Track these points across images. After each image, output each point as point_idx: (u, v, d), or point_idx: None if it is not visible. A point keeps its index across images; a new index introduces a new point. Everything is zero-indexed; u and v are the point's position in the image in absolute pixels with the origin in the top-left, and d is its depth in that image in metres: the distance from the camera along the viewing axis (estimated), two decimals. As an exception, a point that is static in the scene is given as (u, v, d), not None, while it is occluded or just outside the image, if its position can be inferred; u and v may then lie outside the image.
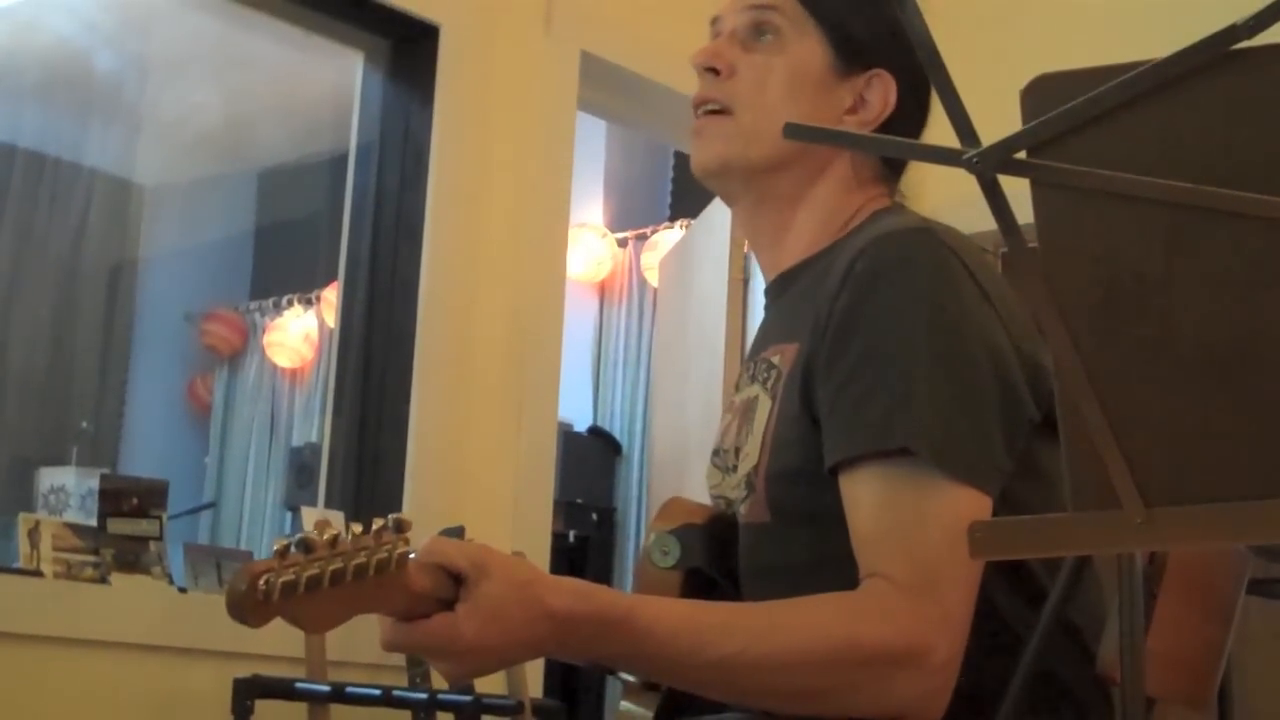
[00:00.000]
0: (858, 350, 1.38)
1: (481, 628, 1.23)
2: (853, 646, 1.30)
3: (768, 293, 1.61)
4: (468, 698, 2.72)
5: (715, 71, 1.55)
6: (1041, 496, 1.37)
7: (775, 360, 1.49)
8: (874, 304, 1.39)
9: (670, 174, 6.05)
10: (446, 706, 2.73)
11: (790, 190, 1.55)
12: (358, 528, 1.14)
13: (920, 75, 1.50)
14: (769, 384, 1.49)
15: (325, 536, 1.11)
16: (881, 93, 1.54)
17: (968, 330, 1.38)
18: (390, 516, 1.17)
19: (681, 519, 1.55)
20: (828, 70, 1.54)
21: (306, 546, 1.10)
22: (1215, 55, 0.85)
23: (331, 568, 1.11)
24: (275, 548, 1.09)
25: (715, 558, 1.53)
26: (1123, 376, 0.90)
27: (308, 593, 1.10)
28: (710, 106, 1.56)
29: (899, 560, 1.31)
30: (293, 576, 1.09)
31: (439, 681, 2.77)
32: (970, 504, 1.32)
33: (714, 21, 1.61)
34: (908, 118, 1.55)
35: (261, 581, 1.08)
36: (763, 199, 1.56)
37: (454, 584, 1.25)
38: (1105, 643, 1.37)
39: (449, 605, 1.24)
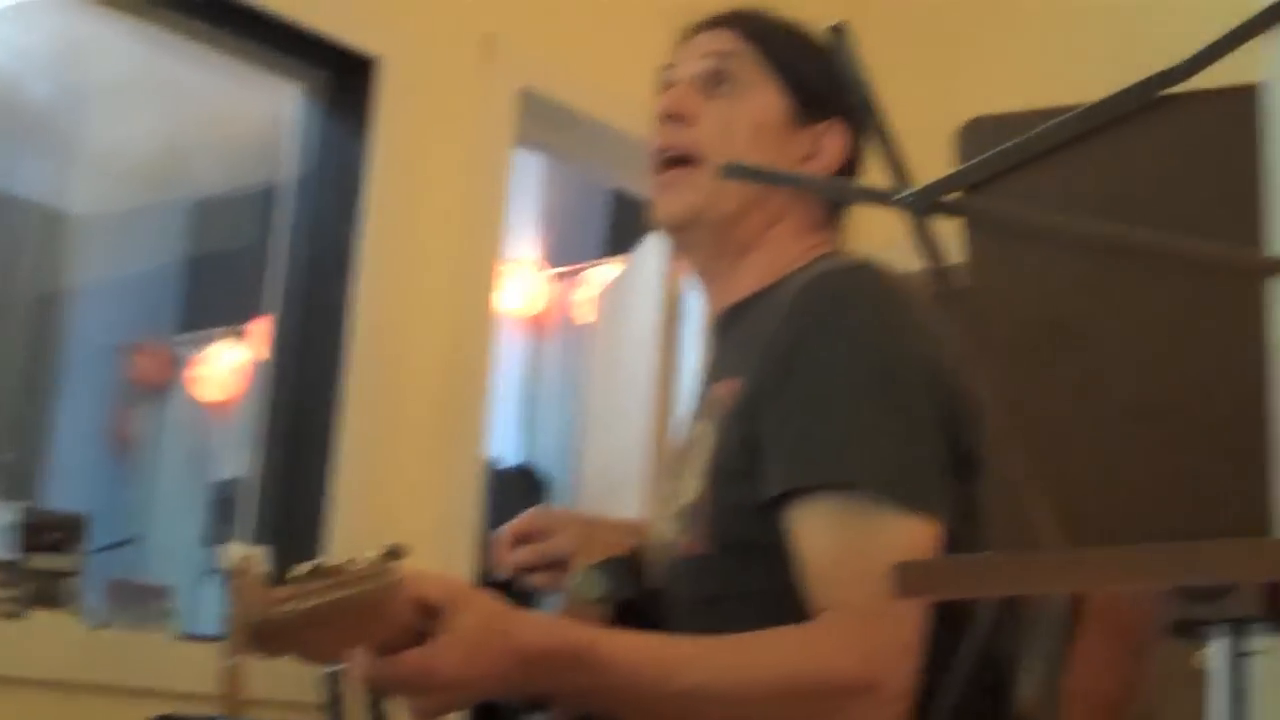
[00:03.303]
0: (801, 384, 1.40)
1: (461, 661, 1.24)
2: (813, 678, 1.31)
3: (713, 329, 1.62)
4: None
5: (677, 119, 1.56)
6: (969, 533, 1.38)
7: (720, 395, 1.50)
8: (815, 340, 1.41)
9: (606, 211, 6.05)
10: (369, 745, 2.69)
11: (747, 236, 1.57)
12: (353, 557, 1.15)
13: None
14: (713, 418, 1.50)
15: (326, 566, 1.13)
16: (838, 142, 1.58)
17: (907, 362, 1.40)
18: (385, 545, 1.18)
19: (605, 553, 1.55)
20: (787, 119, 1.57)
21: (305, 577, 1.11)
22: (1148, 99, 0.86)
23: (330, 598, 1.12)
24: (273, 579, 1.11)
25: (643, 589, 1.53)
26: (1049, 418, 0.90)
27: (305, 626, 1.11)
28: (673, 154, 1.57)
29: (853, 591, 1.33)
30: (291, 609, 1.10)
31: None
32: (921, 533, 1.34)
33: (667, 68, 1.63)
34: (863, 165, 1.60)
35: (259, 615, 1.09)
36: (722, 244, 1.58)
37: (427, 617, 1.24)
38: (1024, 682, 1.38)
39: (421, 639, 1.24)
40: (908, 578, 0.94)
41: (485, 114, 3.46)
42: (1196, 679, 2.62)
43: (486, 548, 1.84)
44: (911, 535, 1.33)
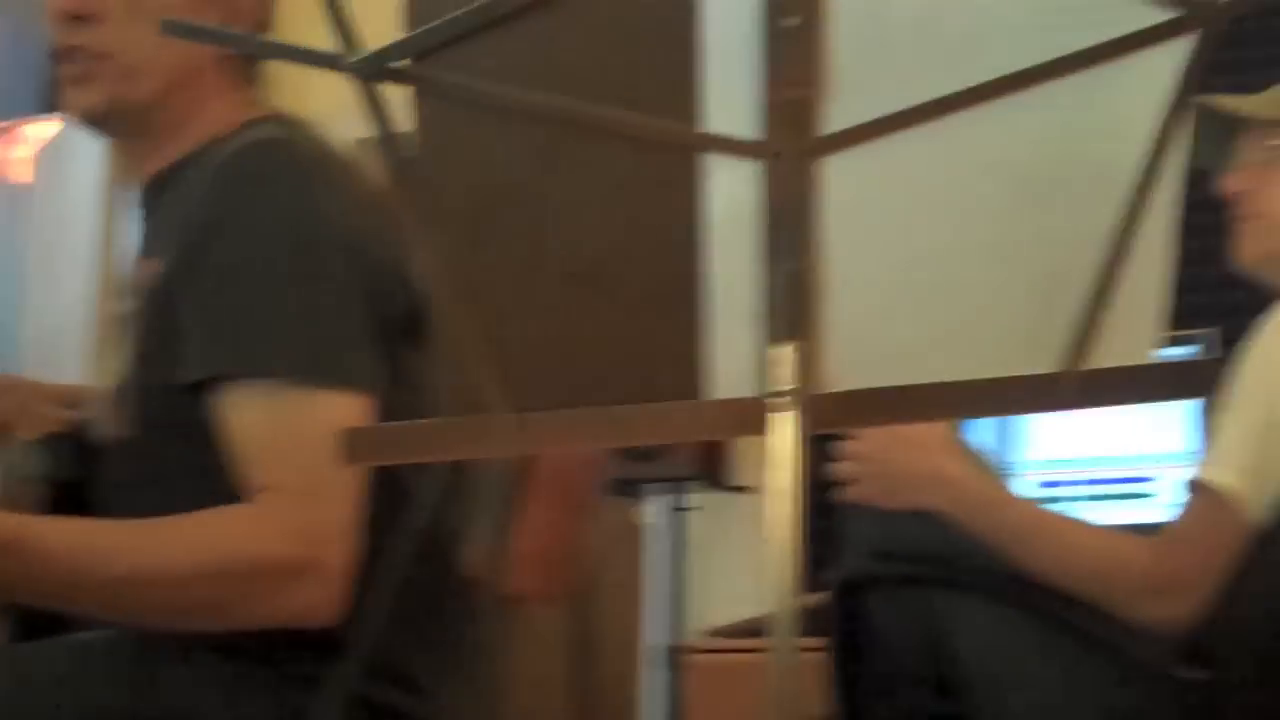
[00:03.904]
0: (218, 265, 1.36)
1: None
2: (249, 559, 1.30)
3: (140, 201, 1.55)
4: None
5: (80, 19, 1.48)
6: (409, 401, 1.39)
7: (144, 273, 1.45)
8: (231, 218, 1.37)
9: (42, 65, 5.69)
10: None
11: (168, 113, 1.50)
12: None
13: None
14: (138, 297, 1.44)
15: None
16: (250, 3, 1.51)
17: (326, 240, 1.37)
18: None
19: (45, 426, 1.49)
20: None
21: None
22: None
23: None
24: None
25: (85, 468, 1.47)
26: (495, 286, 0.92)
27: None
28: (80, 54, 1.49)
29: (283, 472, 1.31)
30: None
31: None
32: (349, 408, 1.33)
33: None
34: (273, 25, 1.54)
35: None
36: (142, 127, 1.50)
37: None
38: (471, 546, 1.42)
39: None
40: (353, 445, 0.95)
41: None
42: (635, 534, 2.77)
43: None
44: (339, 411, 1.32)
